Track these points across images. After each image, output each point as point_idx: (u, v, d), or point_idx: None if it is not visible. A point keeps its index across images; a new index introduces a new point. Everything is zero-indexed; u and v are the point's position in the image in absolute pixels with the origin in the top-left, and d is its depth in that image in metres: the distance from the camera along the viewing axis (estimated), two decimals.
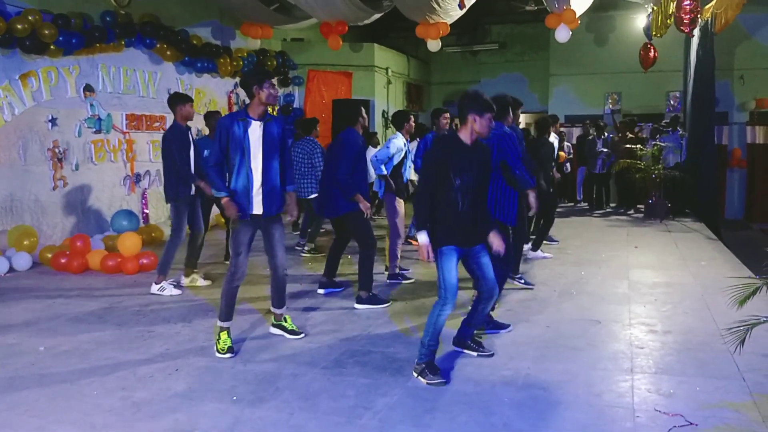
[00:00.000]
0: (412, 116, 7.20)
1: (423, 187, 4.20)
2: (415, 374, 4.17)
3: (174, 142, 6.35)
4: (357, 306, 5.92)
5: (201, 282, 6.79)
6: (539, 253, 8.22)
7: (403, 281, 6.87)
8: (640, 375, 4.21)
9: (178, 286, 6.59)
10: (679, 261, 8.02)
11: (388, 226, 7.01)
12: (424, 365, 4.16)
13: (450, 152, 4.14)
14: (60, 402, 3.84)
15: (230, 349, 4.64)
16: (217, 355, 4.63)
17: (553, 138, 8.77)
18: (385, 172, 6.71)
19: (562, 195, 14.66)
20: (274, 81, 4.73)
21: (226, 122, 4.65)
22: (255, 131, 4.61)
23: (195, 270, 6.87)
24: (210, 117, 7.73)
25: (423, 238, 4.10)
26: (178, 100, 6.54)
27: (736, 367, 4.28)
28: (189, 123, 6.59)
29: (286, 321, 5.07)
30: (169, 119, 10.23)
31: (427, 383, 4.07)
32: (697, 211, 12.17)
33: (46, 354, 4.72)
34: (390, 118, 7.86)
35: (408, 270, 7.18)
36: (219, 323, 4.75)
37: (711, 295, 6.12)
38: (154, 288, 6.47)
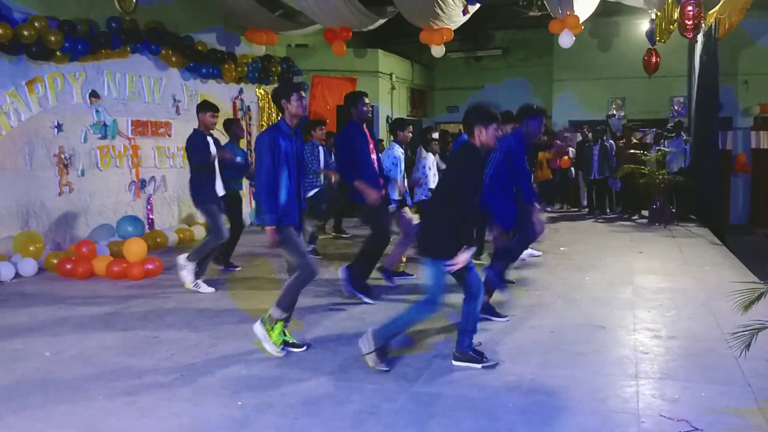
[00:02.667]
0: (409, 126, 7.18)
1: (462, 203, 4.16)
2: (366, 350, 4.34)
3: (194, 148, 6.69)
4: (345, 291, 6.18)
5: (204, 288, 6.77)
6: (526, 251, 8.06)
7: (386, 281, 6.81)
8: (645, 380, 4.21)
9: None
10: (683, 266, 8.00)
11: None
12: (378, 348, 4.34)
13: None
14: (65, 407, 3.85)
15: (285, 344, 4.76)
16: (269, 349, 4.66)
17: None
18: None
19: (566, 201, 14.67)
20: (302, 93, 4.76)
21: (270, 138, 4.61)
22: (291, 144, 4.69)
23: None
24: (230, 124, 7.95)
25: (468, 254, 4.15)
26: (201, 108, 6.95)
27: (741, 372, 4.27)
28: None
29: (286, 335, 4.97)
30: (174, 125, 10.44)
31: (373, 367, 4.32)
32: (702, 216, 12.15)
33: (51, 359, 4.73)
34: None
35: (412, 275, 7.20)
36: (278, 312, 4.69)
37: (715, 301, 6.11)
38: (181, 258, 6.72)
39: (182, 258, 6.72)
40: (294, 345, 4.87)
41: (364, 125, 6.31)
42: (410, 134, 7.17)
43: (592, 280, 7.27)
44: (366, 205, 6.09)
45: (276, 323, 4.72)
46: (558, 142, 13.02)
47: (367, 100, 6.31)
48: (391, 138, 7.24)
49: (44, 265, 7.88)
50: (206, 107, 6.94)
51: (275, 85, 12.74)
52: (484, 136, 4.24)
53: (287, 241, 4.69)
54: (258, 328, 4.74)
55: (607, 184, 13.37)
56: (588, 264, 8.18)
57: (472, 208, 4.28)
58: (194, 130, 6.89)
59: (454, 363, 4.46)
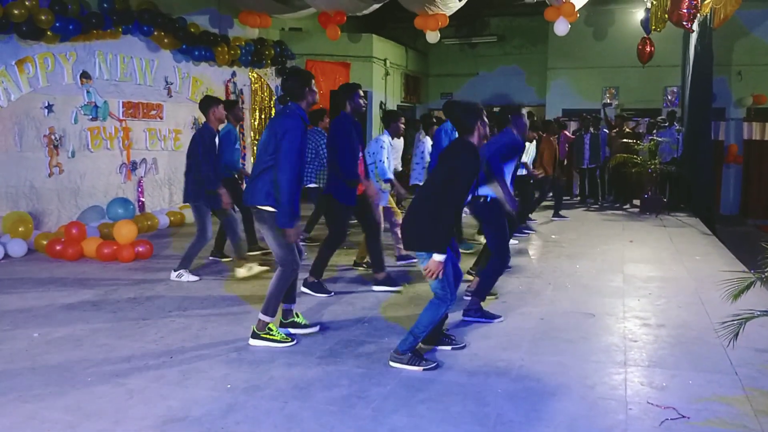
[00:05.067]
0: (402, 118, 7.10)
1: (453, 199, 4.06)
2: (401, 365, 4.15)
3: (201, 144, 6.34)
4: (374, 288, 6.11)
5: (257, 269, 6.60)
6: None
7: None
8: (634, 368, 4.23)
9: (195, 272, 6.64)
10: (673, 255, 8.04)
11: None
12: (411, 354, 4.17)
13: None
14: (53, 388, 3.84)
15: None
16: (281, 345, 4.56)
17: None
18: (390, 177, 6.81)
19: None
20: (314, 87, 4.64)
21: (302, 126, 4.48)
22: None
23: (245, 258, 6.73)
24: (232, 106, 7.48)
25: (443, 257, 3.99)
26: (208, 103, 6.54)
27: (729, 361, 4.29)
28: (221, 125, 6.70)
29: (297, 316, 4.93)
30: (166, 107, 10.36)
31: (424, 370, 4.11)
32: (693, 206, 12.20)
33: (39, 340, 4.71)
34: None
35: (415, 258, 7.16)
36: (268, 318, 4.60)
37: (705, 290, 6.14)
38: (173, 275, 6.51)
39: (174, 275, 6.49)
40: (305, 326, 4.88)
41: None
42: (402, 125, 7.10)
43: (582, 268, 7.29)
44: (336, 205, 5.90)
45: (268, 326, 4.62)
46: (566, 133, 13.01)
47: (362, 93, 6.20)
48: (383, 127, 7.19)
49: (34, 246, 7.84)
50: (215, 101, 6.58)
51: (269, 69, 12.65)
52: (482, 130, 4.19)
53: (280, 232, 4.53)
54: (256, 342, 4.58)
55: (594, 173, 13.41)
56: (579, 252, 8.20)
57: (459, 208, 4.20)
58: (204, 125, 6.52)
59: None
